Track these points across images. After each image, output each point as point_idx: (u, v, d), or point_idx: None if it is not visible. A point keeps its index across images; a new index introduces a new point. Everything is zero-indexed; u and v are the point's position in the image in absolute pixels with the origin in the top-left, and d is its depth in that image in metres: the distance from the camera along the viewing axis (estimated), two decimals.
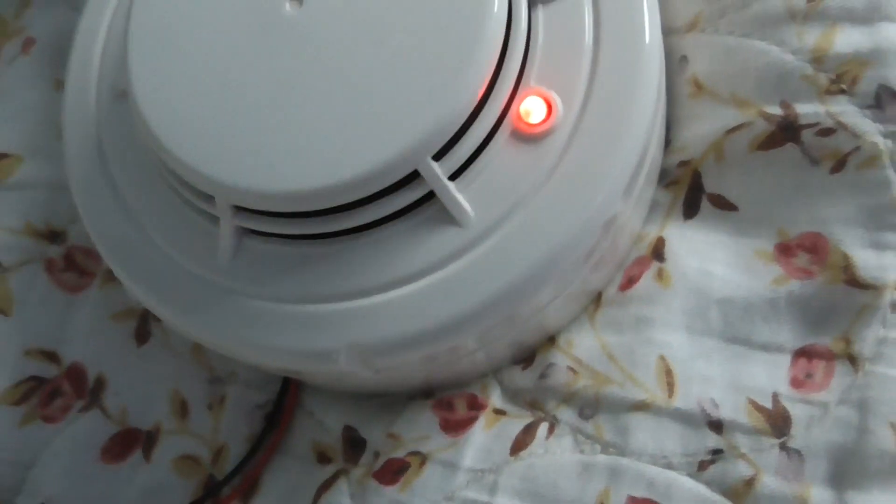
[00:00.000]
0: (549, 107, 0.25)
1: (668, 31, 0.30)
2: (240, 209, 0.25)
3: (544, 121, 0.25)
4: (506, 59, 0.24)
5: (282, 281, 0.25)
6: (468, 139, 0.24)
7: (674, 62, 0.30)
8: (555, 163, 0.24)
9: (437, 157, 0.24)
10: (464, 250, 0.24)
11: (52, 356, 0.32)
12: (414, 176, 0.24)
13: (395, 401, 0.30)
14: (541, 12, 0.25)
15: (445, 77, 0.23)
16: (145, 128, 0.25)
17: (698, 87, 0.30)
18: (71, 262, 0.33)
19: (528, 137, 0.25)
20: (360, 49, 0.24)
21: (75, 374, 0.32)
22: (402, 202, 0.24)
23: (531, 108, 0.25)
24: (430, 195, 0.24)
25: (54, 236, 0.33)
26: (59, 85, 0.34)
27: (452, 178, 0.24)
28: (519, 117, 0.25)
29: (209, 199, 0.25)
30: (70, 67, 0.29)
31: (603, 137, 0.24)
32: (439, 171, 0.24)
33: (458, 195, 0.24)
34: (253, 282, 0.25)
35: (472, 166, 0.25)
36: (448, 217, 0.24)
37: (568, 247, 0.24)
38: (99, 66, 0.29)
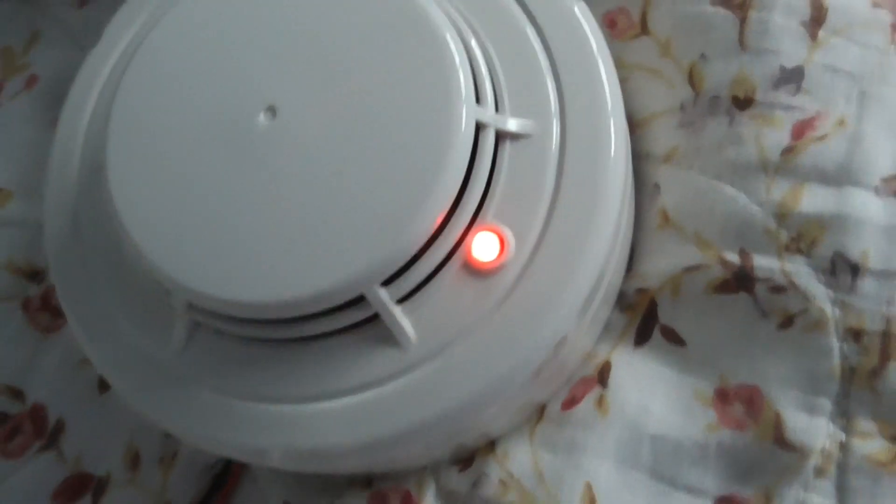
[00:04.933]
0: (502, 244, 0.25)
1: (646, 156, 0.31)
2: (194, 305, 0.26)
3: (495, 259, 0.25)
4: (465, 194, 0.25)
5: (228, 376, 0.26)
6: (418, 269, 0.25)
7: (648, 188, 0.31)
8: (500, 299, 0.25)
9: (387, 282, 0.25)
10: (402, 372, 0.25)
11: (17, 394, 0.33)
12: (361, 297, 0.25)
13: (335, 484, 0.31)
14: (508, 147, 0.26)
15: (402, 207, 0.24)
16: (114, 213, 0.26)
17: (665, 219, 0.30)
18: (46, 303, 0.34)
19: (477, 272, 0.25)
20: (323, 170, 0.25)
21: (37, 414, 0.33)
22: (347, 321, 0.25)
23: (484, 245, 0.25)
24: (377, 314, 0.25)
25: (34, 275, 0.35)
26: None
27: (399, 301, 0.25)
28: (470, 252, 0.25)
29: (167, 291, 0.26)
30: (59, 127, 0.30)
31: (549, 280, 0.25)
32: (385, 297, 0.25)
33: (403, 320, 0.25)
34: (200, 372, 0.26)
35: (419, 292, 0.25)
36: (391, 338, 0.25)
37: (500, 382, 0.25)
38: (85, 132, 0.30)
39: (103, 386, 0.33)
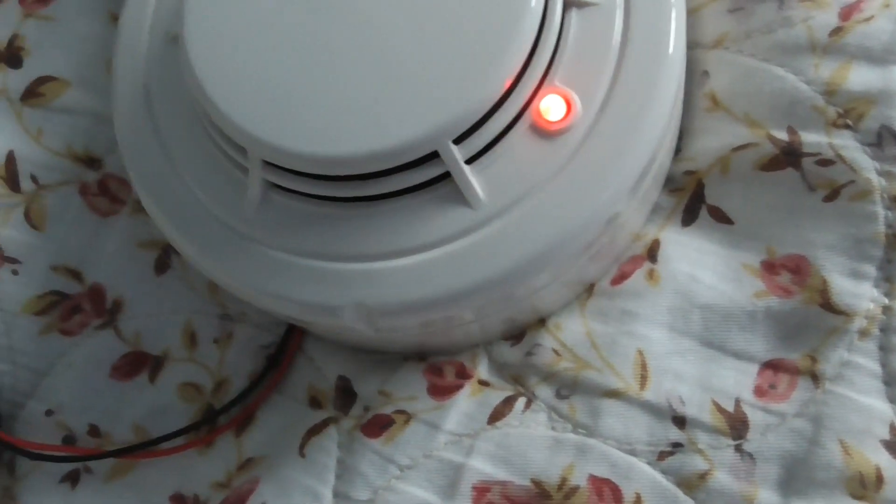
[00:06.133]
0: (569, 106, 0.26)
1: (694, 45, 0.32)
2: (269, 164, 0.26)
3: (562, 119, 0.26)
4: (535, 57, 0.26)
5: (300, 236, 0.27)
6: (489, 128, 0.26)
7: (695, 75, 0.32)
8: (567, 159, 0.26)
9: (458, 140, 0.25)
10: (471, 230, 0.26)
11: (76, 274, 0.34)
12: (433, 155, 0.26)
13: (390, 360, 0.32)
14: (574, 15, 0.27)
15: (475, 67, 0.25)
16: (191, 74, 0.27)
17: (715, 102, 0.31)
18: (104, 189, 0.35)
19: (545, 133, 0.26)
20: (403, 28, 0.25)
21: (96, 294, 0.34)
22: (419, 178, 0.26)
23: (551, 106, 0.26)
24: (447, 175, 0.26)
25: (92, 162, 0.35)
26: (114, 19, 0.36)
27: (469, 161, 0.26)
28: (539, 113, 0.26)
29: (242, 150, 0.27)
30: (126, 5, 0.31)
31: (615, 141, 0.26)
32: (458, 154, 0.25)
33: (473, 179, 0.26)
34: (273, 234, 0.27)
35: (489, 153, 0.26)
36: (461, 197, 0.26)
37: (569, 238, 0.26)
38: (155, 8, 0.31)
39: (160, 268, 0.34)
